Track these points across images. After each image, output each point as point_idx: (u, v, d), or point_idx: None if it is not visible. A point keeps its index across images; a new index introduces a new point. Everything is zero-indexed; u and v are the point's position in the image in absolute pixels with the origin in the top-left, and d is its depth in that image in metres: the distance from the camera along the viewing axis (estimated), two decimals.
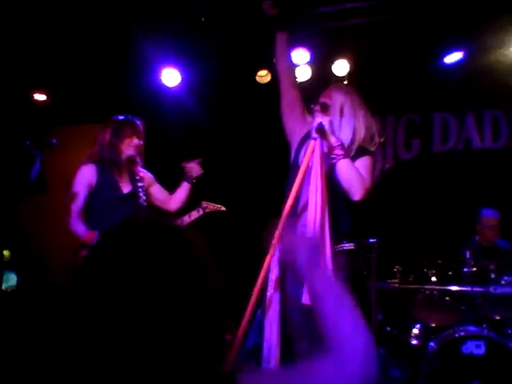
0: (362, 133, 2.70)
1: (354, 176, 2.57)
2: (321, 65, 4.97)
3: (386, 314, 4.03)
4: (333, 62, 4.94)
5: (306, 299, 2.42)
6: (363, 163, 2.65)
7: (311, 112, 2.69)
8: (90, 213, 3.29)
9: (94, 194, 3.30)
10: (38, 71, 4.96)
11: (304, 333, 2.65)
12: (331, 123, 2.56)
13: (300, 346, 2.70)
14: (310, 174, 2.55)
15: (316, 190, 2.53)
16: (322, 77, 4.93)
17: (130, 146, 3.35)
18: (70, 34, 4.41)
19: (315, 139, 2.55)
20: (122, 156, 3.36)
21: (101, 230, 3.25)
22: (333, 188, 2.59)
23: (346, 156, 2.56)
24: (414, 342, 3.78)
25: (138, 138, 3.39)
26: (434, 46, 4.71)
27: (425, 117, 5.41)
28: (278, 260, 2.57)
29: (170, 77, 4.98)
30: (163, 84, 5.03)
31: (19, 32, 4.42)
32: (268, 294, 2.57)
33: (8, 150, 5.20)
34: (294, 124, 2.84)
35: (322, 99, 2.70)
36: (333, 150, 2.56)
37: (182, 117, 5.40)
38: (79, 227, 3.21)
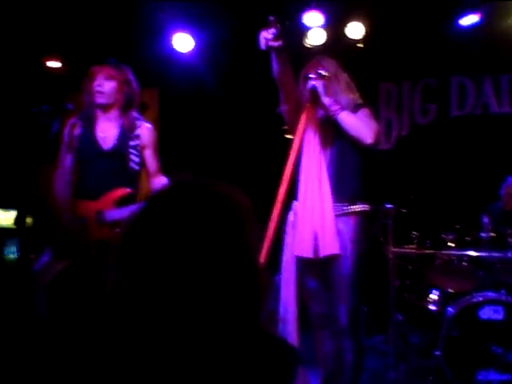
0: (351, 94, 2.80)
1: (359, 122, 2.67)
2: (334, 28, 4.86)
3: (404, 281, 4.03)
4: (346, 25, 4.83)
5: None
6: (363, 114, 2.73)
7: (307, 79, 2.71)
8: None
9: (77, 151, 3.06)
10: (51, 38, 4.90)
11: (319, 296, 2.71)
12: (325, 86, 2.65)
13: (316, 310, 2.74)
14: (305, 138, 2.68)
15: (310, 152, 2.67)
16: (336, 40, 4.84)
17: (95, 93, 2.99)
18: None
19: (309, 101, 2.67)
20: (93, 106, 3.03)
21: (78, 190, 3.06)
22: (339, 149, 2.70)
23: (343, 109, 2.66)
24: (432, 307, 3.78)
25: (104, 79, 2.99)
26: (450, 8, 4.60)
27: (442, 81, 5.31)
28: (291, 224, 2.64)
29: (183, 42, 4.89)
30: (175, 49, 4.95)
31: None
32: (284, 257, 2.63)
33: (25, 115, 5.20)
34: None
35: (315, 69, 2.73)
36: (329, 108, 2.65)
37: (194, 83, 5.34)
38: (58, 188, 3.07)
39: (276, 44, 2.47)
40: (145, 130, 3.10)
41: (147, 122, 3.22)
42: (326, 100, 2.65)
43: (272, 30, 2.42)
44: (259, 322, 0.95)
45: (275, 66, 2.63)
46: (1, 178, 5.53)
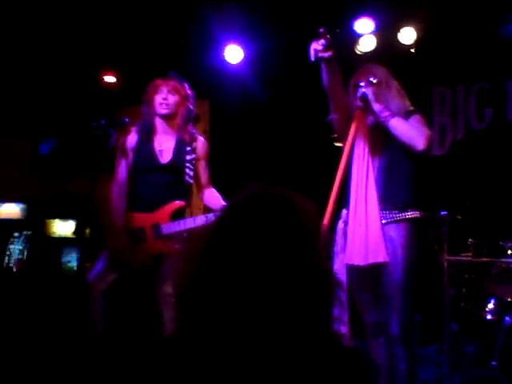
0: (402, 100, 2.78)
1: (410, 128, 2.64)
2: (386, 34, 4.82)
3: (460, 289, 3.93)
4: (398, 31, 4.78)
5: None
6: (414, 120, 2.70)
7: (357, 87, 2.72)
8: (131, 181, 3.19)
9: (134, 163, 3.15)
10: (107, 53, 5.07)
11: (372, 305, 2.69)
12: (375, 93, 2.65)
13: (369, 318, 2.72)
14: (355, 145, 2.68)
15: (360, 160, 2.67)
16: (387, 46, 4.80)
17: (159, 105, 3.10)
18: (135, 12, 4.47)
19: (360, 108, 2.67)
20: (155, 118, 3.14)
21: (132, 201, 3.13)
22: (390, 156, 2.69)
23: (394, 115, 2.64)
24: (489, 316, 3.66)
25: (168, 92, 3.09)
26: (505, 10, 4.47)
27: (497, 84, 5.15)
28: (341, 232, 2.65)
29: (233, 53, 4.96)
30: (226, 61, 5.03)
31: (86, 15, 4.54)
32: (334, 266, 2.63)
33: (83, 129, 5.40)
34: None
35: (365, 76, 2.74)
36: (380, 115, 2.64)
37: (244, 94, 5.40)
38: (115, 199, 3.13)
39: (326, 55, 2.48)
40: (200, 144, 3.22)
41: (200, 134, 3.33)
42: (376, 106, 2.65)
43: (322, 41, 2.44)
44: (331, 328, 0.97)
45: (325, 77, 2.64)
46: (60, 189, 5.75)
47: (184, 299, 0.99)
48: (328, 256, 2.41)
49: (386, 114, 2.63)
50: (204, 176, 3.25)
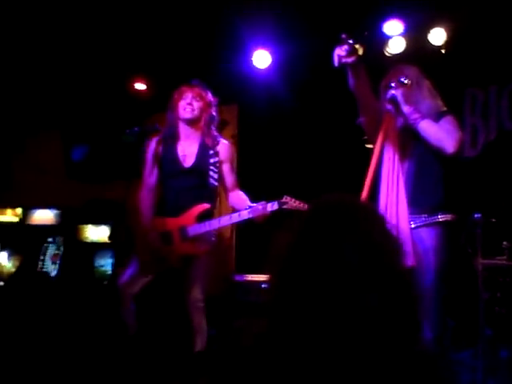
0: (434, 101, 2.75)
1: (440, 131, 2.61)
2: (415, 35, 4.77)
3: (494, 293, 3.85)
4: (428, 32, 4.73)
5: None
6: (446, 122, 2.67)
7: (388, 88, 2.71)
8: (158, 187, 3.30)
9: (160, 169, 3.27)
10: (137, 60, 5.14)
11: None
12: (405, 95, 2.63)
13: None
14: (385, 148, 2.66)
15: (389, 163, 2.65)
16: (417, 48, 4.75)
17: (182, 110, 3.21)
18: (165, 19, 4.52)
19: (389, 110, 2.66)
20: (179, 124, 3.25)
21: (161, 206, 3.25)
22: (420, 159, 2.67)
23: (424, 117, 2.61)
24: None
25: (192, 98, 3.20)
26: None
27: None
28: None
29: (262, 58, 4.98)
30: (254, 66, 5.04)
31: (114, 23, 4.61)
32: None
33: (115, 136, 5.48)
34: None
35: (395, 77, 2.72)
36: (409, 117, 2.62)
37: (272, 99, 5.40)
38: (144, 205, 3.24)
39: (350, 60, 2.48)
40: (223, 147, 3.28)
41: (225, 138, 3.37)
42: (405, 109, 2.63)
43: (345, 47, 2.44)
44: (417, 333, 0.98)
45: (351, 81, 2.63)
46: (93, 195, 5.85)
47: (271, 303, 1.01)
48: None
49: (416, 116, 2.61)
50: (229, 179, 3.31)
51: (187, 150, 3.24)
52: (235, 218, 3.20)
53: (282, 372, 0.93)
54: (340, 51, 2.46)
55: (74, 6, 4.42)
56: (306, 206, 3.09)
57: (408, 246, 2.52)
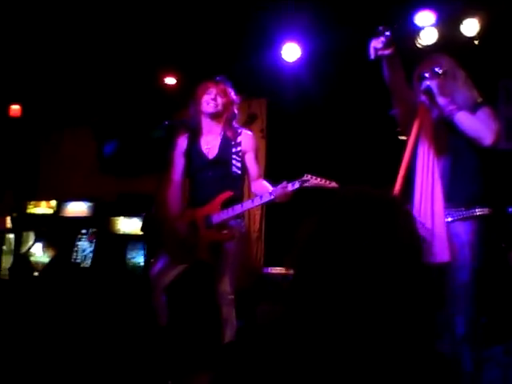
0: (470, 92, 2.69)
1: (476, 122, 2.56)
2: (447, 26, 4.69)
3: None
4: (461, 23, 4.64)
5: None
6: (482, 113, 2.60)
7: (422, 79, 2.66)
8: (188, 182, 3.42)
9: (188, 164, 3.38)
10: (167, 55, 5.17)
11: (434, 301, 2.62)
12: (440, 86, 2.58)
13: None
14: (419, 141, 2.61)
15: (424, 156, 2.60)
16: (449, 39, 4.66)
17: (206, 104, 3.28)
18: (193, 12, 4.54)
19: (423, 102, 2.61)
20: (201, 118, 3.33)
21: (191, 199, 3.36)
22: (456, 151, 2.61)
23: (460, 108, 2.56)
24: None
25: (216, 94, 3.29)
26: None
27: None
28: None
29: (291, 52, 4.95)
30: (283, 59, 5.03)
31: (146, 18, 4.65)
32: None
33: (146, 131, 5.55)
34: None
35: (429, 67, 2.66)
36: (445, 109, 2.57)
37: (302, 92, 5.37)
38: (171, 198, 3.34)
39: (386, 52, 2.45)
40: (245, 137, 3.36)
41: (253, 132, 3.43)
42: (441, 100, 2.57)
43: (381, 39, 2.41)
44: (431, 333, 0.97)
45: (387, 73, 2.59)
46: (124, 188, 5.93)
47: (289, 293, 1.02)
48: None
49: (452, 107, 2.56)
50: (253, 168, 3.36)
51: (210, 143, 3.33)
52: (257, 201, 3.25)
53: (294, 359, 0.93)
54: (376, 43, 2.43)
55: (104, 1, 4.47)
56: (329, 182, 3.11)
57: (443, 242, 2.49)
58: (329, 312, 0.92)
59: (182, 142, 3.40)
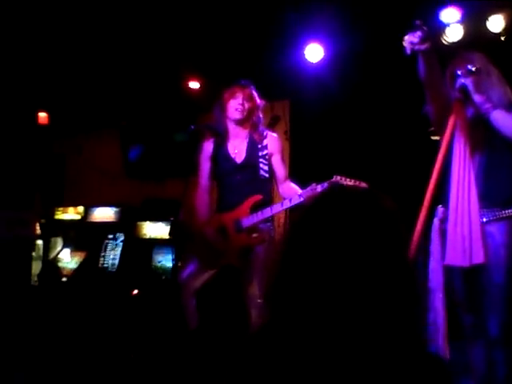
0: (504, 90, 2.63)
1: None
2: (473, 23, 4.62)
3: None
4: (487, 19, 4.57)
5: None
6: None
7: (455, 77, 2.60)
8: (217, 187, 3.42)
9: (214, 168, 3.39)
10: (190, 58, 5.19)
11: (470, 306, 2.58)
12: (475, 83, 2.51)
13: (467, 320, 2.62)
14: (454, 139, 2.55)
15: (460, 155, 2.53)
16: (475, 35, 4.59)
17: (233, 110, 3.29)
18: (216, 13, 4.55)
19: (459, 100, 2.55)
20: (227, 123, 3.34)
21: (219, 204, 3.37)
22: (491, 150, 2.55)
23: (496, 107, 2.49)
24: None
25: (243, 99, 3.29)
26: None
27: None
28: (437, 231, 2.56)
29: (314, 52, 4.93)
30: (307, 60, 5.00)
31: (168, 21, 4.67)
32: (430, 265, 2.55)
33: (171, 135, 5.56)
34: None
35: (463, 65, 2.59)
36: (481, 107, 2.50)
37: (324, 93, 5.34)
38: (199, 203, 3.36)
39: (423, 47, 2.40)
40: (271, 139, 3.38)
41: (275, 133, 3.47)
42: (477, 98, 2.50)
43: (418, 33, 2.37)
44: (419, 334, 0.96)
45: (423, 69, 2.55)
46: (151, 193, 5.97)
47: (271, 295, 1.01)
48: (424, 254, 2.34)
49: (488, 105, 2.50)
50: (280, 170, 3.37)
51: (238, 148, 3.34)
52: (286, 204, 3.23)
53: (283, 364, 0.93)
54: (413, 38, 2.39)
55: (129, 5, 4.50)
56: (359, 183, 3.06)
57: (479, 243, 2.44)
58: (317, 312, 0.91)
59: (208, 147, 3.41)
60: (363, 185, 3.04)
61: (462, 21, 4.54)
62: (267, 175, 3.33)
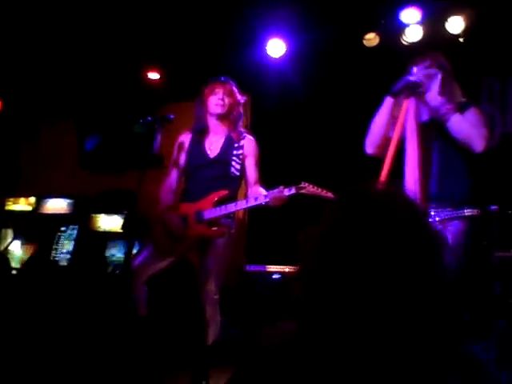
0: (456, 92, 2.67)
1: (470, 127, 2.51)
2: (432, 24, 4.69)
3: (508, 286, 3.80)
4: (446, 20, 4.64)
5: None
6: (472, 114, 2.57)
7: (408, 73, 2.64)
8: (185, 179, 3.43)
9: (186, 160, 3.39)
10: (150, 49, 5.11)
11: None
12: (440, 84, 2.55)
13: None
14: (406, 140, 2.58)
15: (409, 155, 2.55)
16: (435, 36, 4.67)
17: (213, 105, 3.32)
18: (177, 7, 4.49)
19: (411, 96, 2.56)
20: (208, 118, 3.36)
21: (184, 194, 3.37)
22: (444, 150, 2.58)
23: (456, 110, 2.51)
24: None
25: (224, 94, 3.32)
26: None
27: None
28: None
29: (276, 47, 4.92)
30: (268, 55, 4.99)
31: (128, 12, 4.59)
32: None
33: (128, 126, 5.47)
34: None
35: (419, 63, 2.65)
36: (440, 108, 2.52)
37: (284, 88, 5.34)
38: (165, 192, 3.36)
39: (422, 89, 2.47)
40: (248, 142, 3.40)
41: (250, 134, 3.47)
42: (436, 99, 2.53)
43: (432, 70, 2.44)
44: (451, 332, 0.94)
45: (385, 114, 2.61)
46: (105, 185, 5.85)
47: (304, 299, 0.95)
48: None
49: (448, 107, 2.52)
50: (251, 173, 3.38)
51: (214, 143, 3.37)
52: (251, 202, 3.23)
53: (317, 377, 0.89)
54: (426, 71, 2.47)
55: None
56: (325, 192, 3.08)
57: None
58: (350, 321, 0.87)
59: (185, 139, 3.42)
60: (329, 194, 3.05)
61: (422, 22, 4.61)
62: (238, 173, 3.34)
